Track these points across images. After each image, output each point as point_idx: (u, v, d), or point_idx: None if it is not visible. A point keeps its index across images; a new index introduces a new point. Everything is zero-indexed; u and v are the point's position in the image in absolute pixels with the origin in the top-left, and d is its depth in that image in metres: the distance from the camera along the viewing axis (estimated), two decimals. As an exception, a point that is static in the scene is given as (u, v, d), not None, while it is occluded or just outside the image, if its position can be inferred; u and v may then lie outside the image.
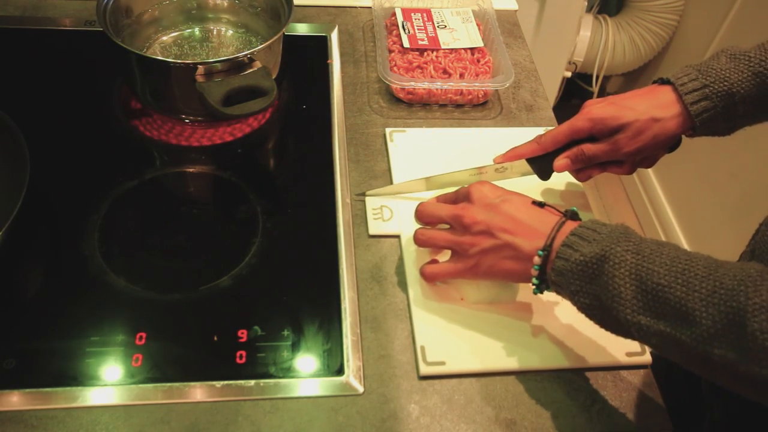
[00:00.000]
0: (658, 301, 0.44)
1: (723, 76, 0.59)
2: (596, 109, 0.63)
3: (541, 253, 0.51)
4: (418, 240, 0.60)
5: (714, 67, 0.60)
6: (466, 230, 0.56)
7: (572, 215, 0.54)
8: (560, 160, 0.65)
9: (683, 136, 0.65)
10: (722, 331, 0.41)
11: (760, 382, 0.40)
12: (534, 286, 0.53)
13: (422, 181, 0.70)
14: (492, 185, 0.58)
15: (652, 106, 0.61)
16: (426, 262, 0.61)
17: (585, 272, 0.48)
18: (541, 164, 0.67)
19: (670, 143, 0.64)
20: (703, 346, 0.42)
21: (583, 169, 0.66)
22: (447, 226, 0.59)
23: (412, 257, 0.65)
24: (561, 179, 0.74)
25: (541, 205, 0.56)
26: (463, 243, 0.56)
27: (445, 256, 0.64)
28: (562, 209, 0.55)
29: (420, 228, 0.61)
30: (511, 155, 0.67)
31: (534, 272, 0.52)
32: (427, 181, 0.70)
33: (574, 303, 0.50)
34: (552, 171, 0.66)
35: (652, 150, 0.63)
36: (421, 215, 0.61)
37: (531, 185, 0.70)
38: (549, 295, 0.62)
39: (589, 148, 0.63)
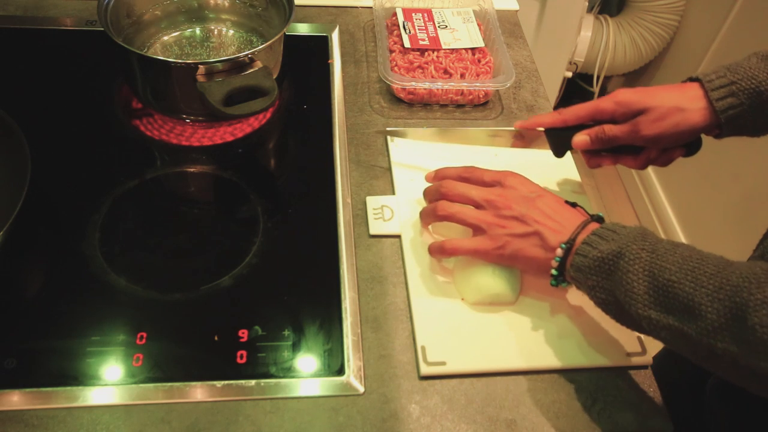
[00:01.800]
0: (667, 296, 0.46)
1: (751, 74, 0.59)
2: (623, 93, 0.63)
3: (563, 246, 0.54)
4: (442, 211, 0.60)
5: (743, 66, 0.60)
6: (499, 212, 0.58)
7: (599, 219, 0.57)
8: (580, 136, 0.65)
9: (705, 138, 0.64)
10: (726, 325, 0.42)
11: (761, 374, 0.41)
12: (552, 277, 0.56)
13: (438, 131, 0.73)
14: (525, 178, 0.60)
15: (679, 98, 0.61)
16: (437, 242, 0.61)
17: (602, 268, 0.50)
18: (559, 138, 0.66)
19: (691, 137, 0.63)
20: (707, 339, 0.43)
21: (596, 154, 0.66)
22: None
23: (413, 257, 0.65)
24: (561, 180, 0.74)
25: (573, 205, 0.59)
26: (493, 224, 0.58)
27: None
28: (591, 213, 0.58)
29: (443, 201, 0.61)
30: (532, 122, 0.67)
31: (554, 264, 0.55)
32: (441, 132, 0.73)
33: (592, 298, 0.52)
34: (568, 147, 0.66)
35: (672, 140, 0.62)
36: (447, 192, 0.61)
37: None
38: (549, 296, 0.62)
39: (610, 128, 0.63)
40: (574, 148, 0.66)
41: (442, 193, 0.61)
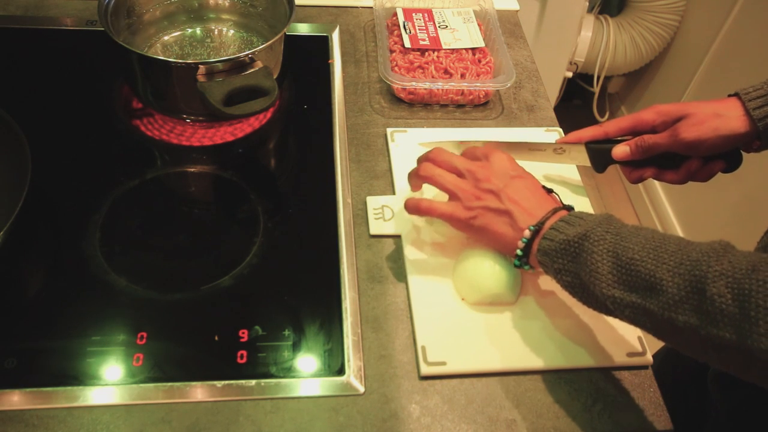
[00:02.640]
0: (630, 274, 0.47)
1: None
2: (663, 105, 0.64)
3: (532, 228, 0.55)
4: (423, 172, 0.61)
5: None
6: (477, 184, 0.58)
7: (569, 208, 0.57)
8: (620, 147, 0.66)
9: (746, 154, 0.65)
10: (686, 298, 0.44)
11: (718, 344, 0.42)
12: (515, 257, 0.57)
13: (457, 144, 0.72)
14: (512, 158, 0.61)
15: (717, 107, 0.62)
16: (415, 198, 0.62)
17: (567, 251, 0.52)
18: (600, 151, 0.67)
19: (731, 145, 0.63)
20: (668, 313, 0.44)
21: (637, 166, 0.67)
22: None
23: (414, 257, 0.65)
24: (562, 180, 0.74)
25: (549, 191, 0.60)
26: (469, 192, 0.58)
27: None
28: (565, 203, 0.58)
29: (426, 163, 0.62)
30: (573, 137, 0.69)
31: (520, 245, 0.56)
32: (460, 145, 0.71)
33: (558, 281, 0.53)
34: (609, 162, 0.67)
35: (712, 146, 0.63)
36: (434, 157, 0.62)
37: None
38: (550, 296, 0.62)
39: (650, 136, 0.64)
40: (615, 160, 0.67)
41: (429, 158, 0.62)
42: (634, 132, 0.66)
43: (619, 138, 0.68)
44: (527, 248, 0.56)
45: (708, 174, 0.66)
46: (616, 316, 0.50)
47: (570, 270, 0.52)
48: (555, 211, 0.56)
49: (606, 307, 0.50)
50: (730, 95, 0.64)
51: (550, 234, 0.53)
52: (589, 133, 0.68)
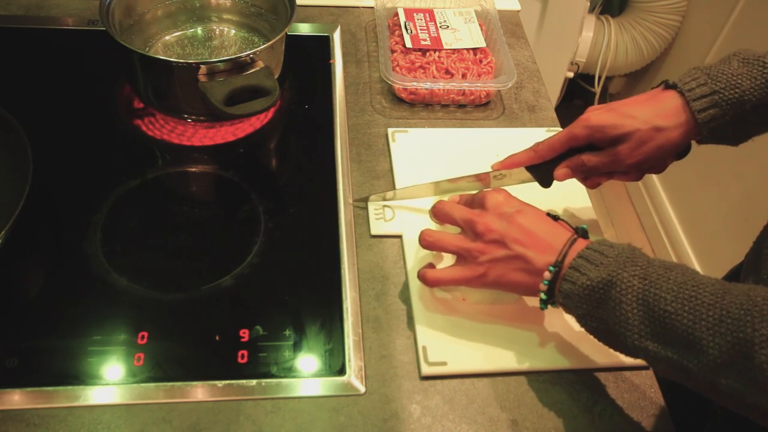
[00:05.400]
0: (665, 327, 0.44)
1: (734, 83, 0.55)
2: (595, 116, 0.59)
3: (552, 268, 0.51)
4: (425, 241, 0.59)
5: (725, 72, 0.55)
6: (478, 237, 0.55)
7: (583, 233, 0.54)
8: (560, 169, 0.62)
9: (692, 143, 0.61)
10: (729, 362, 0.41)
11: (766, 411, 0.40)
12: (541, 302, 0.53)
13: (421, 187, 0.69)
14: (507, 194, 0.57)
15: (655, 114, 0.57)
16: (424, 266, 0.60)
17: (592, 297, 0.48)
18: (541, 172, 0.65)
19: (677, 152, 0.61)
20: (710, 375, 0.42)
21: (588, 177, 0.64)
22: (457, 230, 0.59)
23: (414, 257, 0.65)
24: (564, 184, 0.73)
25: (555, 218, 0.56)
26: (473, 250, 0.55)
27: (444, 262, 0.64)
28: (573, 224, 0.56)
29: (427, 229, 0.60)
30: (509, 163, 0.65)
31: (543, 287, 0.52)
32: (425, 187, 0.69)
33: (582, 325, 0.50)
34: (552, 179, 0.64)
35: (657, 160, 0.60)
36: (436, 212, 0.60)
37: (534, 193, 0.69)
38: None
39: (589, 159, 0.60)
40: (558, 181, 0.63)
41: (433, 213, 0.61)
42: (570, 149, 0.62)
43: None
44: (551, 290, 0.52)
45: (661, 168, 0.62)
46: (649, 365, 0.47)
47: (595, 316, 0.48)
48: (572, 242, 0.52)
49: (638, 356, 0.47)
50: (668, 85, 0.58)
51: (571, 275, 0.49)
52: (524, 157, 0.64)
